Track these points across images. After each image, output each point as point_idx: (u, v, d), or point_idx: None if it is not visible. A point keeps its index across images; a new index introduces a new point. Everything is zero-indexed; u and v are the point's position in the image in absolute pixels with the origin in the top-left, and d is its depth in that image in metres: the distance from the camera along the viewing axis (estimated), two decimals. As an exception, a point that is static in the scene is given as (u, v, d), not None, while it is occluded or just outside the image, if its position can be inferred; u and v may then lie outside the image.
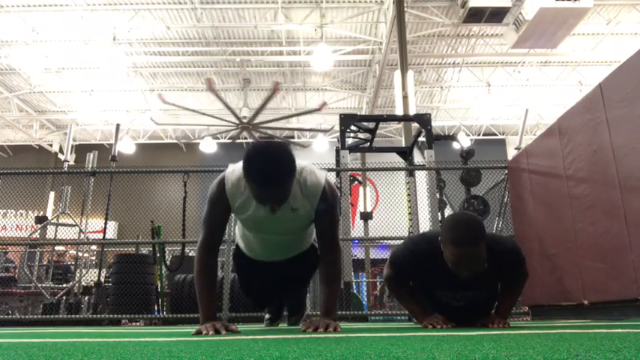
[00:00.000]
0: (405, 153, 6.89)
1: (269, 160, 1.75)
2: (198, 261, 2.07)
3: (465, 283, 2.25)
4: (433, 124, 6.58)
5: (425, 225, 5.87)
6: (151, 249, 6.34)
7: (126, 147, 15.49)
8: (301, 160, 2.01)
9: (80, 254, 7.51)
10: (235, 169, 1.98)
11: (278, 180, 1.75)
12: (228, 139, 14.59)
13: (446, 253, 2.14)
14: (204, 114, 11.17)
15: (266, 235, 2.19)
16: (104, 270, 7.03)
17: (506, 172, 4.96)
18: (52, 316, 5.20)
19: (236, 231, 2.45)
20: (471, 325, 2.55)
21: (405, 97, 8.30)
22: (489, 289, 2.40)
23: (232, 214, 2.12)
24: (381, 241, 7.93)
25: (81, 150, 14.63)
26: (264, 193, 1.79)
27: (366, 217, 7.92)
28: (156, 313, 5.84)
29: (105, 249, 7.04)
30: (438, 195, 6.23)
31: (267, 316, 2.99)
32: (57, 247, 8.48)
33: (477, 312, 2.42)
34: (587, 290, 3.28)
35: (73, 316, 5.33)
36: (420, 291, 2.51)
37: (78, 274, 6.87)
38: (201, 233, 2.09)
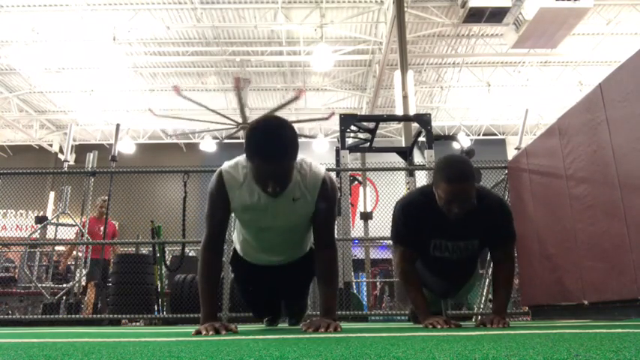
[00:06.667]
0: (405, 153, 6.89)
1: (271, 135, 1.73)
2: (202, 262, 2.04)
3: (457, 231, 2.35)
4: (433, 124, 6.57)
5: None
6: (150, 249, 6.34)
7: (126, 147, 15.50)
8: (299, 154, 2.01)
9: (80, 254, 7.50)
10: (232, 161, 2.01)
11: (280, 154, 1.73)
12: (228, 138, 14.59)
13: (438, 192, 2.22)
14: (213, 110, 11.17)
15: (265, 233, 2.16)
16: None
17: (506, 172, 4.95)
18: (52, 316, 5.20)
19: (234, 236, 2.43)
20: (461, 282, 2.77)
21: (405, 97, 8.30)
22: (479, 239, 2.45)
23: (232, 214, 2.11)
24: (381, 241, 7.92)
25: (81, 150, 14.63)
26: (266, 169, 1.76)
27: (366, 217, 7.91)
28: (156, 313, 5.84)
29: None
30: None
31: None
32: (57, 247, 8.47)
33: (466, 268, 2.62)
34: (587, 290, 3.27)
35: (73, 316, 5.33)
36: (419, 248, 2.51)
37: (78, 274, 6.86)
38: (204, 231, 2.07)
